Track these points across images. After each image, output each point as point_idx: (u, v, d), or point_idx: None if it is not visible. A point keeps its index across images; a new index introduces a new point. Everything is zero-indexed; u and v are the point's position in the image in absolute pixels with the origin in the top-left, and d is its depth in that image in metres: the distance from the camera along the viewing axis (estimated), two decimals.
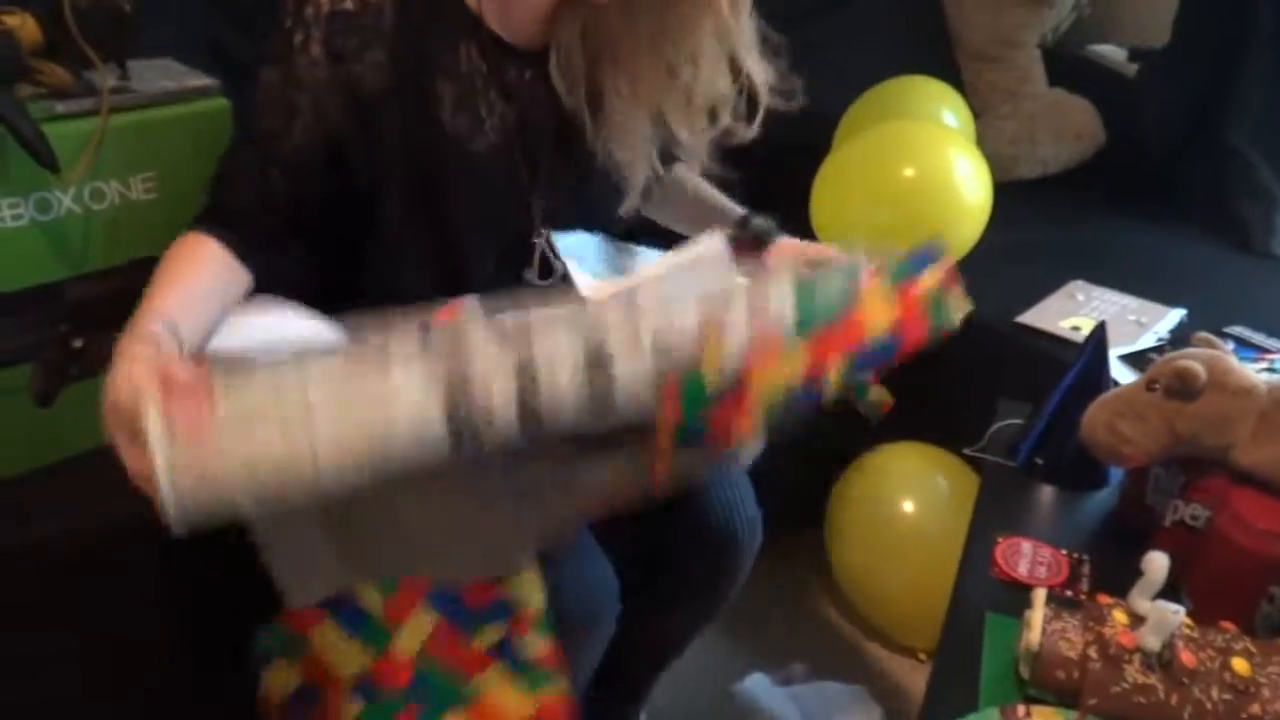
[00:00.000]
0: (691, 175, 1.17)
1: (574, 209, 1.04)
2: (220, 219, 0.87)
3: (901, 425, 0.98)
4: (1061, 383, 1.07)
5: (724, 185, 1.14)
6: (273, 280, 0.88)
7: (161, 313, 0.78)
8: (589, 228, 1.06)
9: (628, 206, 1.07)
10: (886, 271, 0.83)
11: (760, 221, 1.11)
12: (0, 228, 0.96)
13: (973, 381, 1.53)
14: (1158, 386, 0.89)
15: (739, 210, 1.13)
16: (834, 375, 0.79)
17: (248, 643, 0.95)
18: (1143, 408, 0.89)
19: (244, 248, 0.86)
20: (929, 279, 0.85)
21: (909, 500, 1.51)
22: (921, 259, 0.85)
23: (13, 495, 1.03)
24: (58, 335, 1.03)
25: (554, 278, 1.03)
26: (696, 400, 0.74)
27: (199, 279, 0.84)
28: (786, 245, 1.08)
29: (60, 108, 0.97)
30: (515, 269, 1.02)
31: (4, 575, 0.99)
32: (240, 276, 0.86)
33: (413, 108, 0.91)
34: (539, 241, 1.02)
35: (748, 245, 1.08)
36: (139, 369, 0.71)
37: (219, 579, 1.11)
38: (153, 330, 0.76)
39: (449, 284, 0.94)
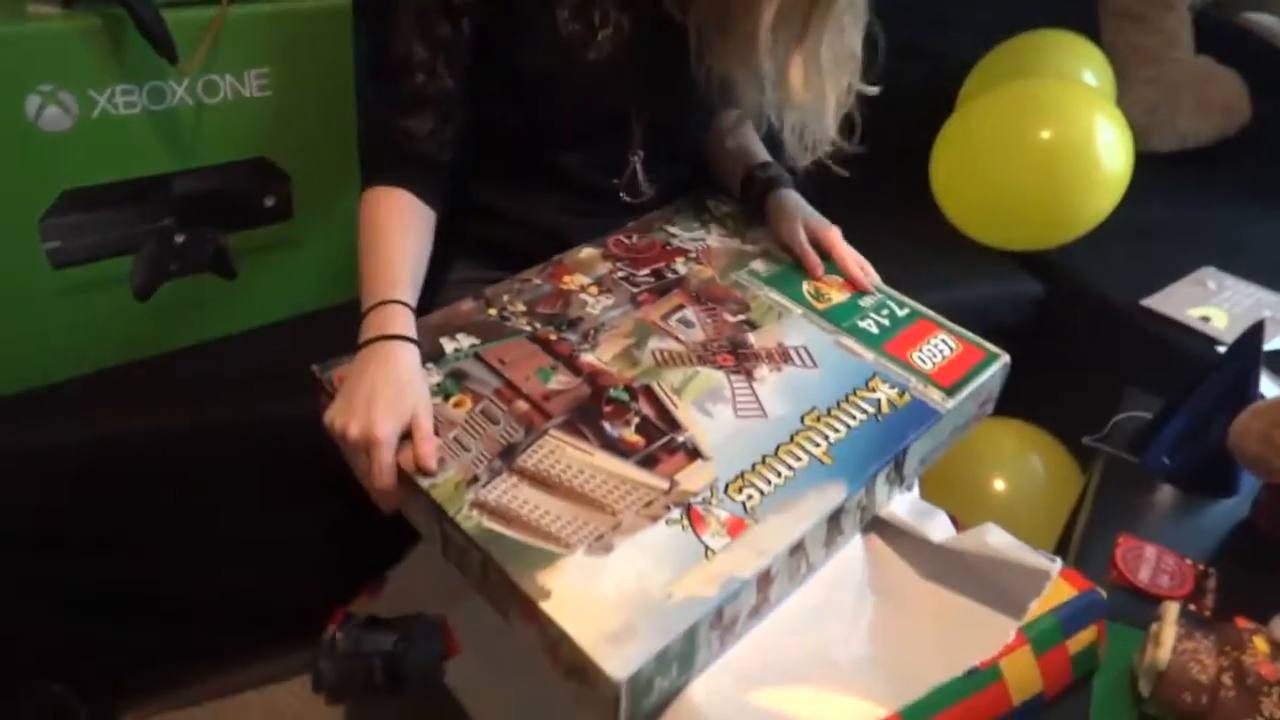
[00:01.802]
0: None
1: (675, 132, 1.02)
2: (401, 168, 0.90)
3: (1006, 399, 0.91)
4: (1205, 381, 0.99)
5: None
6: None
7: (396, 286, 0.83)
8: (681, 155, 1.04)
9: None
10: (1035, 633, 0.73)
11: (774, 169, 1.03)
12: (113, 115, 0.93)
13: (1088, 364, 1.45)
14: None
15: (761, 155, 1.06)
16: None
17: None
18: None
19: (429, 194, 0.90)
20: (1082, 639, 0.75)
21: (1000, 480, 1.44)
22: (1076, 618, 0.75)
23: (104, 388, 1.03)
24: (161, 229, 1.02)
25: (641, 198, 1.02)
26: None
27: (409, 236, 0.88)
28: (788, 208, 1.00)
29: None
30: (606, 179, 1.01)
31: (91, 468, 1.00)
32: (431, 218, 0.91)
33: (533, 7, 0.89)
34: (634, 159, 1.00)
35: (757, 192, 1.02)
36: (391, 421, 0.74)
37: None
38: (402, 344, 0.79)
39: (547, 192, 0.98)
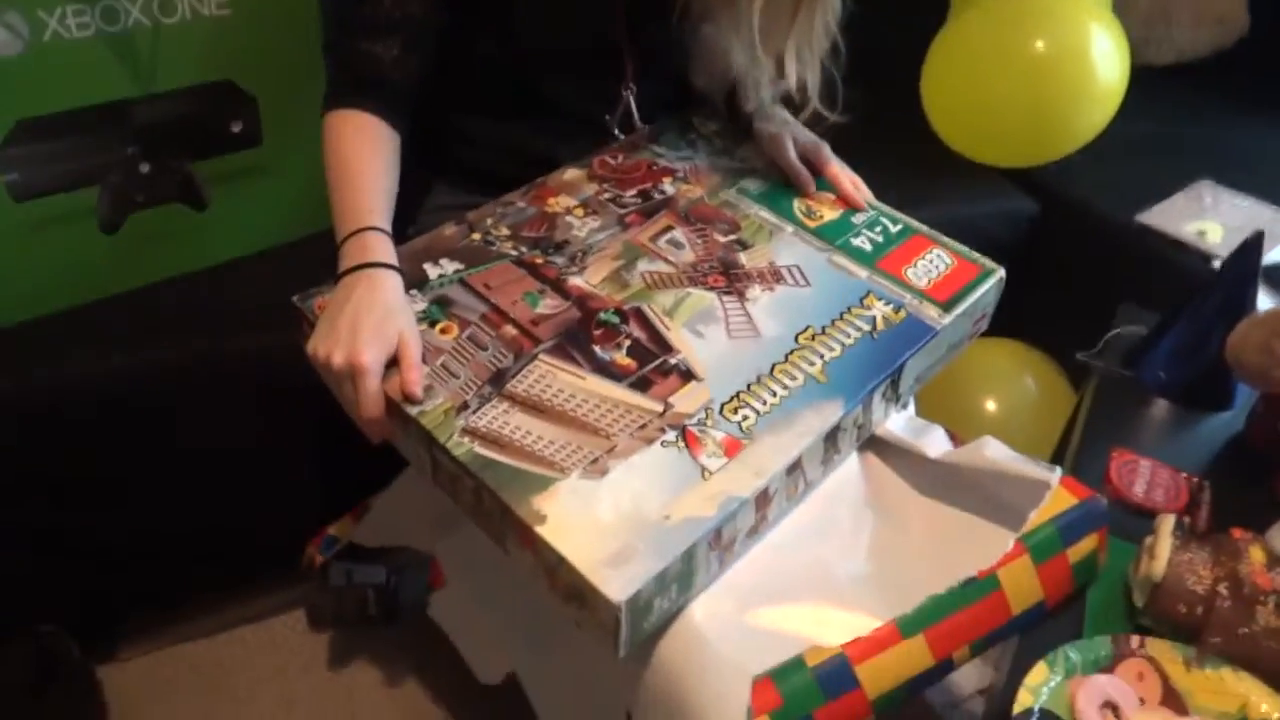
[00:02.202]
0: None
1: (667, 65, 0.99)
2: (366, 91, 0.85)
3: (999, 319, 0.89)
4: (1200, 294, 0.97)
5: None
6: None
7: (372, 213, 0.80)
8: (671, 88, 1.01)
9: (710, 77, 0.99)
10: (1034, 542, 0.72)
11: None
12: (65, 38, 0.89)
13: (1085, 281, 1.43)
14: None
15: None
16: (967, 652, 0.70)
17: None
18: None
19: (394, 115, 0.86)
20: (1083, 547, 0.74)
21: (992, 400, 1.43)
22: (1075, 526, 0.73)
23: (76, 326, 1.00)
24: (125, 158, 0.98)
25: (633, 133, 0.99)
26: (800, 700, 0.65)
27: (379, 161, 0.84)
28: (776, 124, 0.96)
29: None
30: (599, 113, 0.98)
31: (72, 407, 0.98)
32: (397, 141, 0.87)
33: None
34: (627, 94, 0.97)
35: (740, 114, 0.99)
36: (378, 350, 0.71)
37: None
38: (384, 271, 0.77)
39: (533, 119, 0.94)
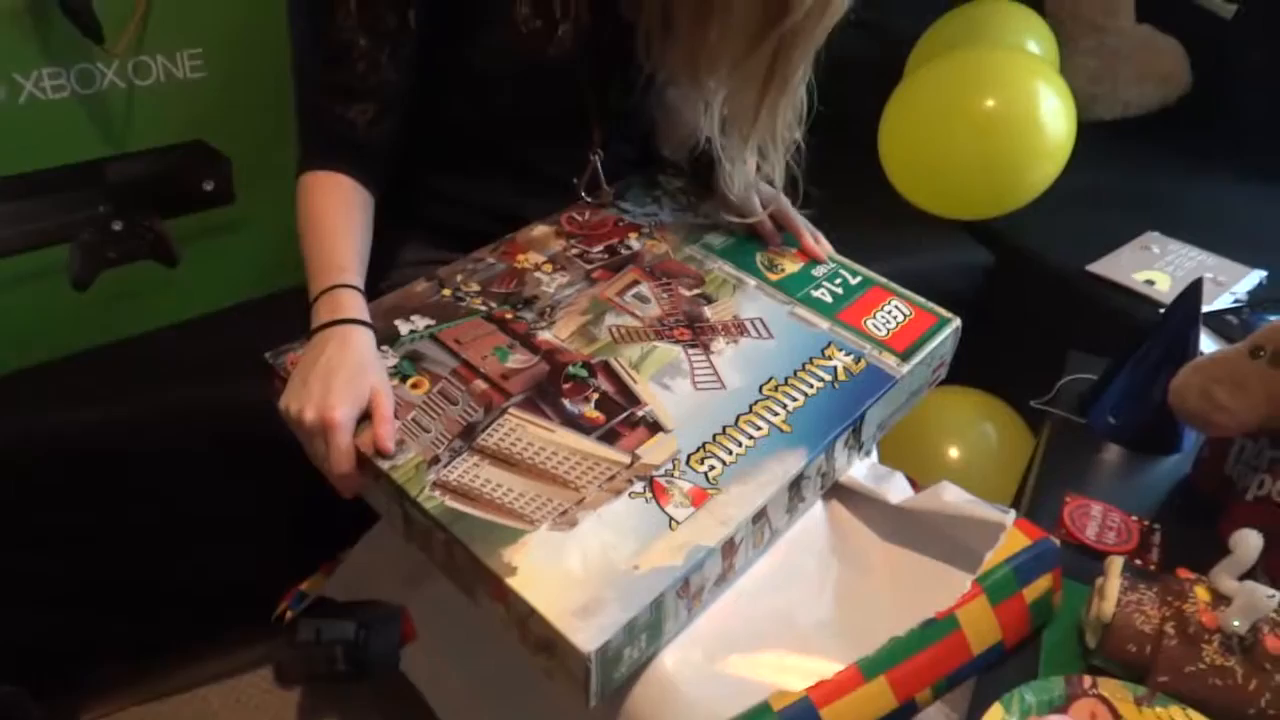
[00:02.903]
0: None
1: (634, 130, 1.02)
2: (340, 154, 0.86)
3: (957, 367, 0.93)
4: (1146, 341, 1.01)
5: None
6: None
7: (345, 270, 0.81)
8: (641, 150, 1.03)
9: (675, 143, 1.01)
10: (990, 583, 0.74)
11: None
12: (41, 100, 0.91)
13: (1037, 329, 1.48)
14: (1263, 353, 0.83)
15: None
16: (929, 694, 0.72)
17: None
18: (1244, 375, 0.83)
19: (367, 177, 0.87)
20: (1038, 587, 0.76)
21: (955, 447, 1.46)
22: (1029, 566, 0.75)
23: (47, 381, 1.00)
24: (97, 217, 0.99)
25: (600, 195, 1.01)
26: None
27: (352, 221, 0.85)
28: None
29: None
30: (567, 176, 1.00)
31: (32, 460, 0.97)
32: (371, 203, 0.88)
33: (491, 4, 0.87)
34: (595, 158, 1.00)
35: (706, 163, 1.00)
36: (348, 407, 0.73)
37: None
38: (356, 328, 0.78)
39: (502, 178, 0.96)
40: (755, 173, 0.93)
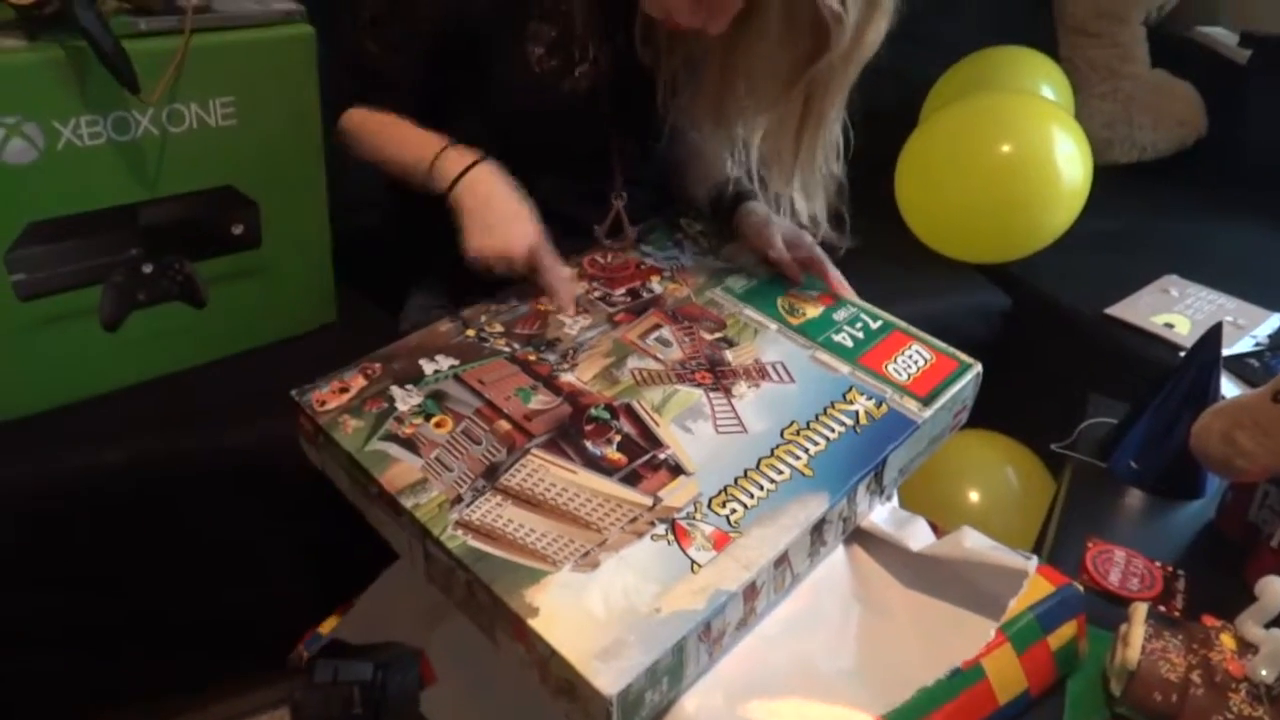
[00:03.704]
0: None
1: (654, 171, 1.04)
2: (376, 101, 0.98)
3: (976, 410, 0.93)
4: (1167, 385, 1.01)
5: None
6: None
7: (440, 139, 0.93)
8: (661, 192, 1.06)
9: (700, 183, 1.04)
10: (1014, 630, 0.74)
11: (742, 182, 1.03)
12: (78, 146, 0.93)
13: (1056, 373, 1.47)
14: None
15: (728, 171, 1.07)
16: None
17: None
18: (1267, 420, 0.83)
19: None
20: (1063, 634, 0.76)
21: (974, 490, 1.46)
22: (1053, 613, 0.76)
23: (74, 421, 1.02)
24: (128, 259, 1.01)
25: (622, 239, 1.03)
26: None
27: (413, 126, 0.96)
28: (761, 218, 1.00)
29: (143, 25, 0.93)
30: (588, 220, 1.02)
31: (61, 502, 0.98)
32: None
33: (505, 41, 0.91)
34: (618, 202, 1.01)
35: (727, 205, 1.04)
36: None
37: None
38: (491, 166, 0.91)
39: None
40: (803, 216, 0.95)
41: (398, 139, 0.94)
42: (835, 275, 0.97)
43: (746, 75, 0.85)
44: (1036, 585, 0.75)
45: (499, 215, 0.87)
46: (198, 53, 0.96)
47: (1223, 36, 2.07)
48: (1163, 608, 0.86)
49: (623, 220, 1.02)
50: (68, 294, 0.98)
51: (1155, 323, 1.43)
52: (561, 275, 0.88)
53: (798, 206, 0.94)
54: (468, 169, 0.88)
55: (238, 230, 1.07)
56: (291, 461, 0.86)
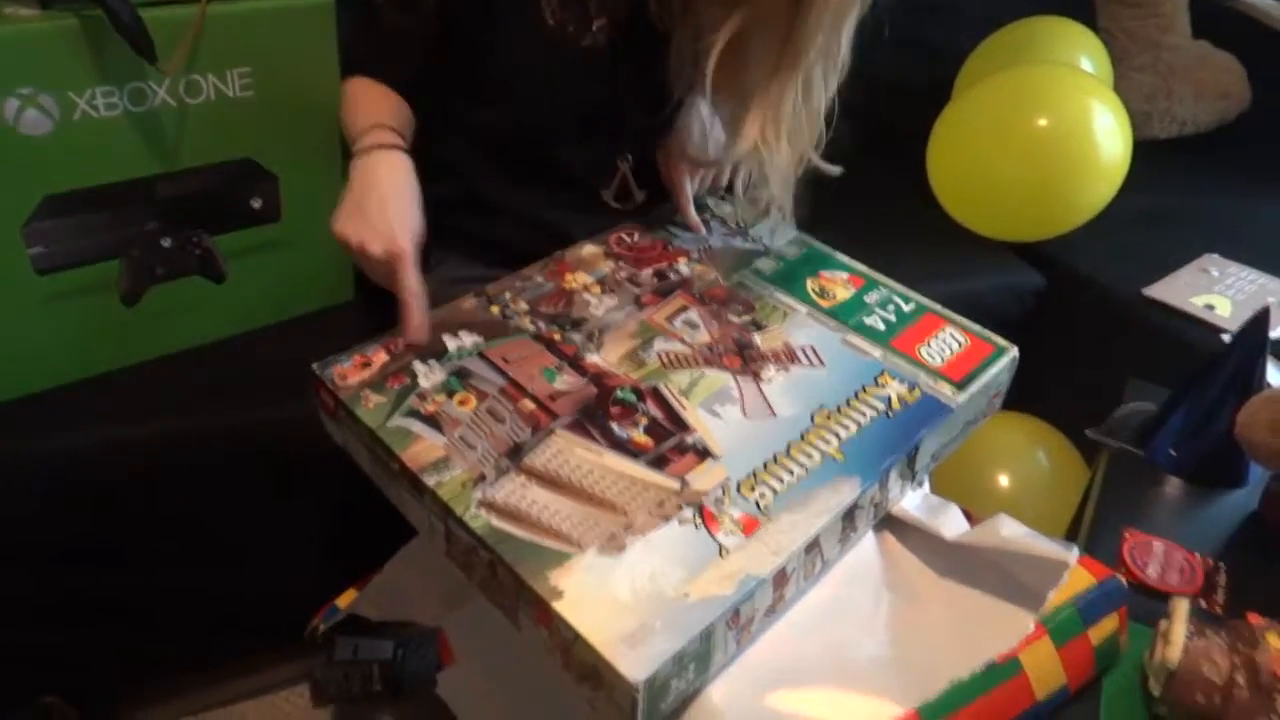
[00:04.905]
0: None
1: (667, 132, 1.01)
2: (373, 71, 0.95)
3: (1007, 393, 0.90)
4: (1209, 371, 0.97)
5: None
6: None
7: (382, 115, 0.88)
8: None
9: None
10: (1055, 623, 0.72)
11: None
12: (94, 118, 0.91)
13: (1091, 354, 1.44)
14: None
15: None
16: None
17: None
18: None
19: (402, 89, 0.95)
20: (1104, 628, 0.74)
21: (1004, 475, 1.43)
22: (1095, 606, 0.73)
23: (93, 395, 1.01)
24: (146, 233, 1.00)
25: (630, 203, 1.01)
26: None
27: (389, 97, 0.93)
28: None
29: None
30: (594, 185, 1.01)
31: (81, 478, 0.98)
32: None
33: (506, 5, 0.89)
34: (623, 165, 1.00)
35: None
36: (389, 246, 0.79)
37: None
38: (398, 155, 0.84)
39: (539, 186, 0.98)
40: (747, 147, 0.90)
41: (354, 110, 0.91)
42: (689, 206, 0.98)
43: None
44: (1077, 577, 0.73)
45: (376, 206, 0.79)
46: (215, 22, 0.94)
47: (1268, 6, 2.00)
48: (1203, 602, 0.84)
49: (629, 183, 1.00)
50: (86, 268, 0.97)
51: (1195, 304, 1.39)
52: (416, 294, 0.79)
53: (746, 136, 0.88)
54: (374, 148, 0.83)
55: (257, 204, 1.05)
56: (311, 437, 0.85)
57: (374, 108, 0.90)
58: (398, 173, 0.82)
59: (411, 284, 0.78)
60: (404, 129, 0.89)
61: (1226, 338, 1.30)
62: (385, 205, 0.78)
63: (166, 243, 1.01)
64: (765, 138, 0.88)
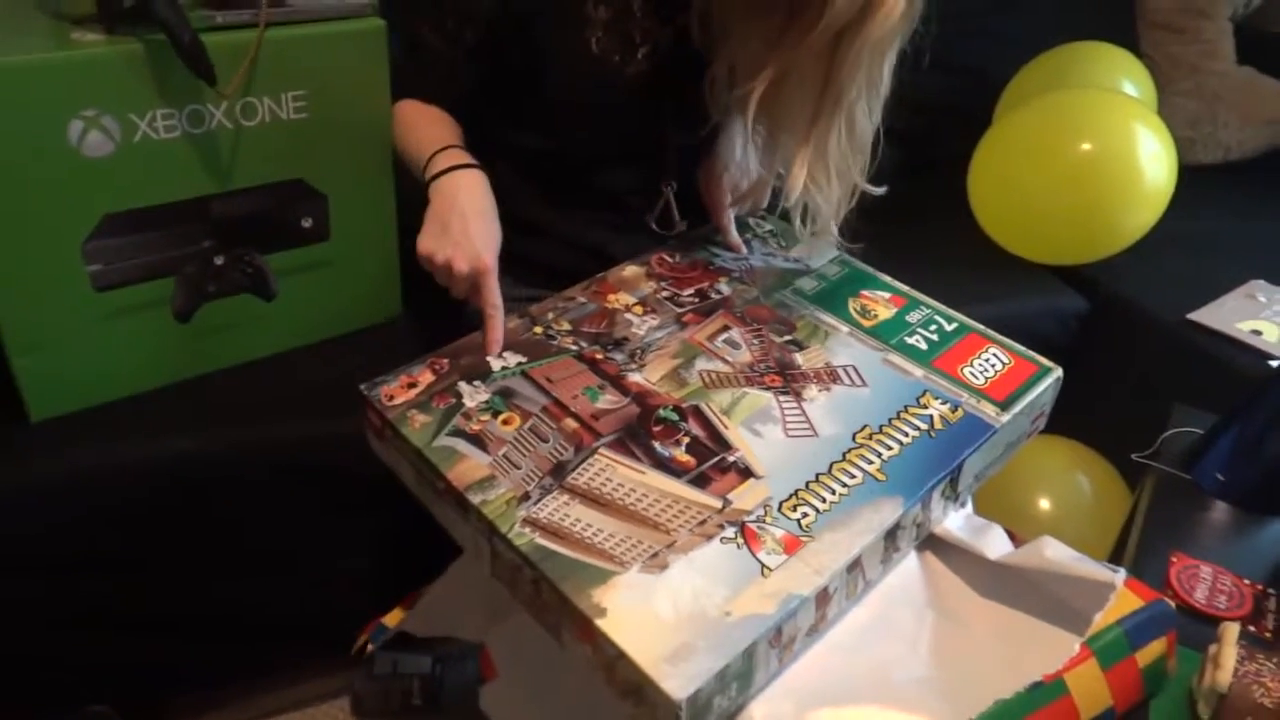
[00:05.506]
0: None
1: (707, 154, 1.02)
2: (423, 95, 0.99)
3: (1050, 416, 0.89)
4: (1259, 396, 0.96)
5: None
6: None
7: (447, 139, 0.92)
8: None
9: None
10: (1101, 645, 0.71)
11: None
12: (154, 139, 0.94)
13: (1133, 379, 1.42)
14: None
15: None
16: None
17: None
18: None
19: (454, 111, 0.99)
20: (1151, 651, 0.73)
21: (1046, 498, 1.41)
22: (1143, 629, 0.72)
23: (144, 410, 1.03)
24: (200, 251, 1.02)
25: (672, 229, 1.02)
26: None
27: (444, 123, 0.97)
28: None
29: (220, 18, 0.94)
30: (637, 209, 1.02)
31: (133, 490, 1.00)
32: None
33: (562, 27, 0.90)
34: (668, 190, 1.00)
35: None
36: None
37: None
38: (477, 174, 0.89)
39: (583, 209, 1.00)
40: (798, 191, 0.90)
41: (415, 133, 0.94)
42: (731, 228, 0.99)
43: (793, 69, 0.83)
44: (1124, 599, 0.72)
45: (459, 223, 0.83)
46: (271, 46, 0.96)
47: None
48: (1252, 628, 0.82)
49: (672, 209, 1.01)
50: (141, 285, 1.00)
51: (1241, 329, 1.37)
52: (499, 307, 0.84)
53: (795, 179, 0.88)
54: (451, 169, 0.87)
55: (307, 223, 1.07)
56: (357, 453, 0.87)
57: (437, 130, 0.93)
58: (477, 191, 0.86)
59: (495, 298, 0.83)
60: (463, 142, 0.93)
61: (1274, 363, 1.28)
62: (468, 223, 0.83)
63: (219, 261, 1.03)
64: (814, 179, 0.89)
